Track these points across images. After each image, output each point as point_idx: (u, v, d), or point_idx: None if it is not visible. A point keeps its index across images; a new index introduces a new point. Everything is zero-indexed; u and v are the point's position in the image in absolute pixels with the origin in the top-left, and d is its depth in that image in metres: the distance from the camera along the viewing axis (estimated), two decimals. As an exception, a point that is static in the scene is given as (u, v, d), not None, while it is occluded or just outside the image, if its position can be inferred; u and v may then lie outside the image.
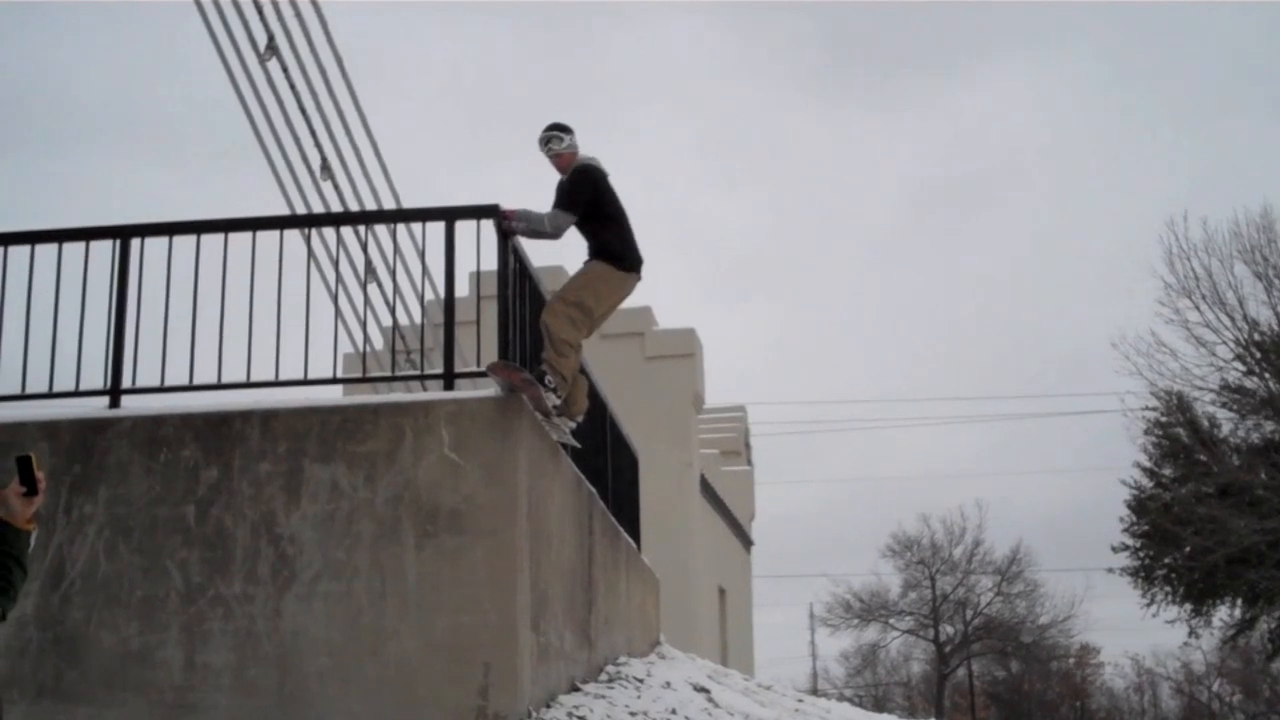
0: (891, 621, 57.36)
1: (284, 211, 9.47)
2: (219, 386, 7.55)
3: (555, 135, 8.16)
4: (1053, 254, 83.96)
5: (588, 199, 8.06)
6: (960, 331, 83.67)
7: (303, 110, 9.59)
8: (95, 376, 7.75)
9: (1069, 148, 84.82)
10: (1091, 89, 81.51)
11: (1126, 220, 78.08)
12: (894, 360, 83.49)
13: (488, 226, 7.72)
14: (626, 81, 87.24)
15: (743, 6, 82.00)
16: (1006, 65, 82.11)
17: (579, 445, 8.83)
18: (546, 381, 7.77)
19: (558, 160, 8.18)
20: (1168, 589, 35.27)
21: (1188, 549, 32.95)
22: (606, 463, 10.63)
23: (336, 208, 9.67)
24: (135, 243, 7.83)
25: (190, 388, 7.60)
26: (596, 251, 8.19)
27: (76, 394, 7.75)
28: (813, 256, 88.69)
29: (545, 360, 7.85)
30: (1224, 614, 35.68)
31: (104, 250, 7.84)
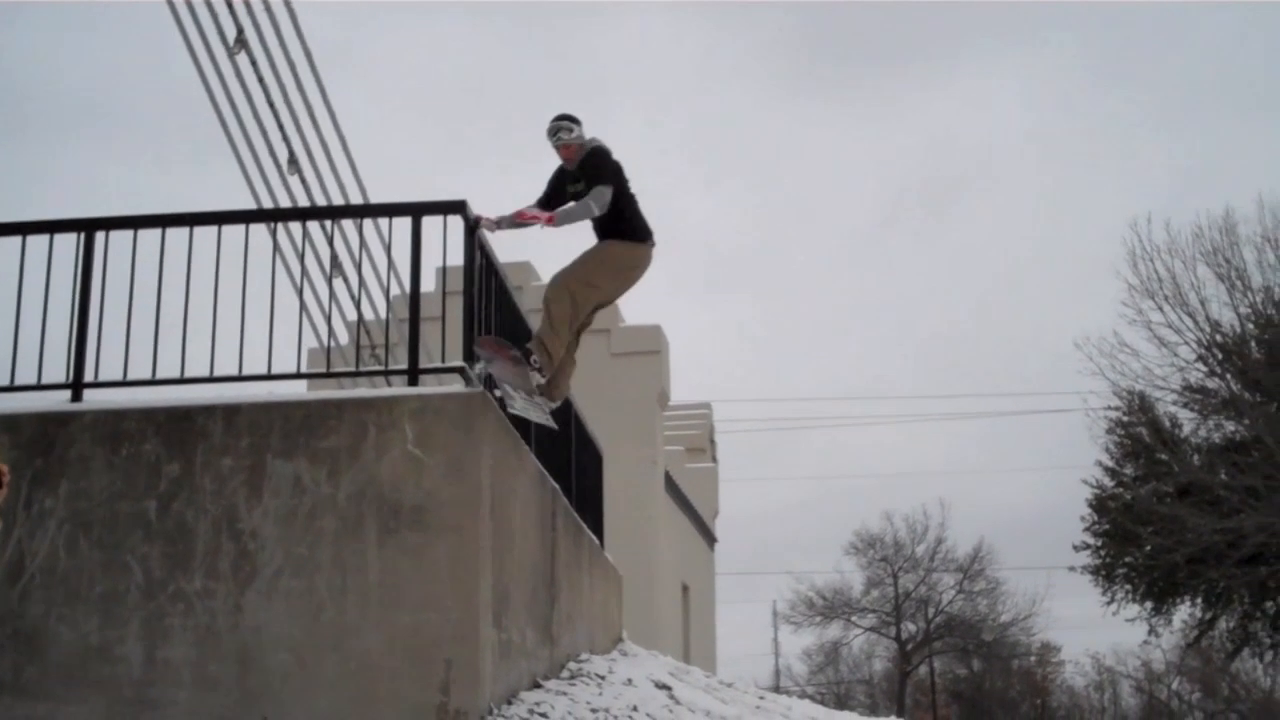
0: (854, 619, 57.59)
1: (250, 205, 9.44)
2: (182, 381, 7.52)
3: (565, 125, 8.19)
4: (1024, 254, 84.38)
5: (615, 171, 8.20)
6: (929, 331, 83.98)
7: (271, 105, 9.56)
8: (57, 370, 7.72)
9: (1044, 148, 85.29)
10: (1070, 88, 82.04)
11: (1098, 221, 78.60)
12: (863, 359, 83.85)
13: (455, 222, 7.72)
14: (605, 80, 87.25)
15: (723, 5, 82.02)
16: (984, 65, 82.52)
17: (556, 427, 8.87)
18: (532, 361, 7.91)
19: (566, 150, 8.21)
20: (1128, 587, 35.50)
21: (1148, 548, 33.20)
22: (571, 459, 10.65)
23: (303, 202, 9.63)
24: (100, 236, 7.80)
25: (153, 382, 7.58)
26: (612, 231, 8.28)
27: (38, 388, 7.72)
28: (787, 255, 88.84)
29: (536, 337, 8.00)
30: (1184, 613, 35.95)
31: (68, 243, 7.81)
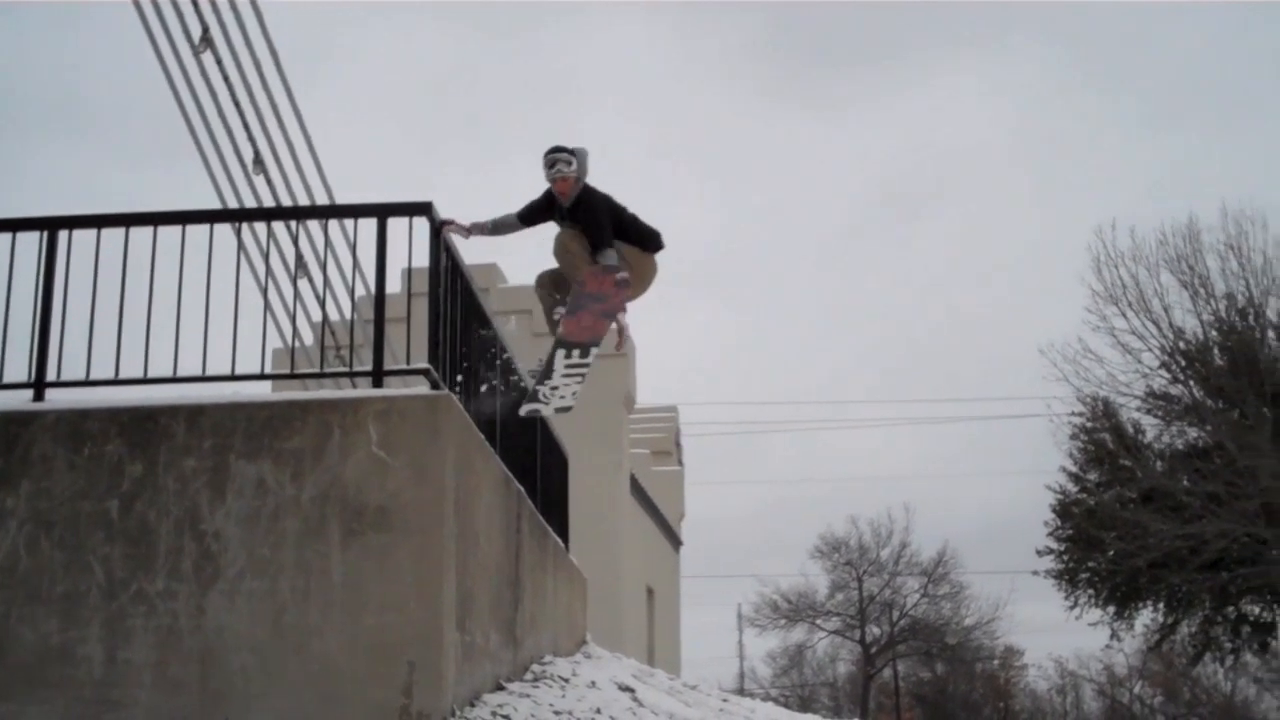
0: (818, 622, 57.73)
1: (215, 205, 9.42)
2: (145, 381, 7.48)
3: (564, 158, 8.24)
4: (992, 260, 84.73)
5: (608, 209, 8.38)
6: (896, 335, 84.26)
7: (236, 104, 9.54)
8: (20, 369, 7.68)
9: (1015, 154, 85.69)
10: (1040, 93, 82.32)
11: (1067, 227, 79.07)
12: (831, 363, 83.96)
13: (420, 224, 7.72)
14: (579, 83, 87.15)
15: (696, 7, 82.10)
16: (956, 68, 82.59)
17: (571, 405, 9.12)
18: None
19: (563, 184, 8.25)
20: (1091, 592, 35.72)
21: (1111, 553, 33.40)
22: (536, 462, 10.65)
23: (269, 203, 9.62)
24: (63, 235, 7.76)
25: (116, 382, 7.53)
26: (640, 241, 8.56)
27: (0, 387, 7.67)
28: (757, 258, 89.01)
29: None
30: (1146, 617, 36.19)
31: (31, 242, 7.77)
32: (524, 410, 9.20)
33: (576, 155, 8.29)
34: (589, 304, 8.36)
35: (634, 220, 8.58)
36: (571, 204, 8.30)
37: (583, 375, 8.93)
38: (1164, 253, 31.25)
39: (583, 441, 14.73)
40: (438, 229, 7.83)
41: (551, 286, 8.71)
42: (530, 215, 8.54)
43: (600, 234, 8.27)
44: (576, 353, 8.72)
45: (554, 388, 8.91)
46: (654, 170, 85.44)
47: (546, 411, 9.30)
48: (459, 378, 8.07)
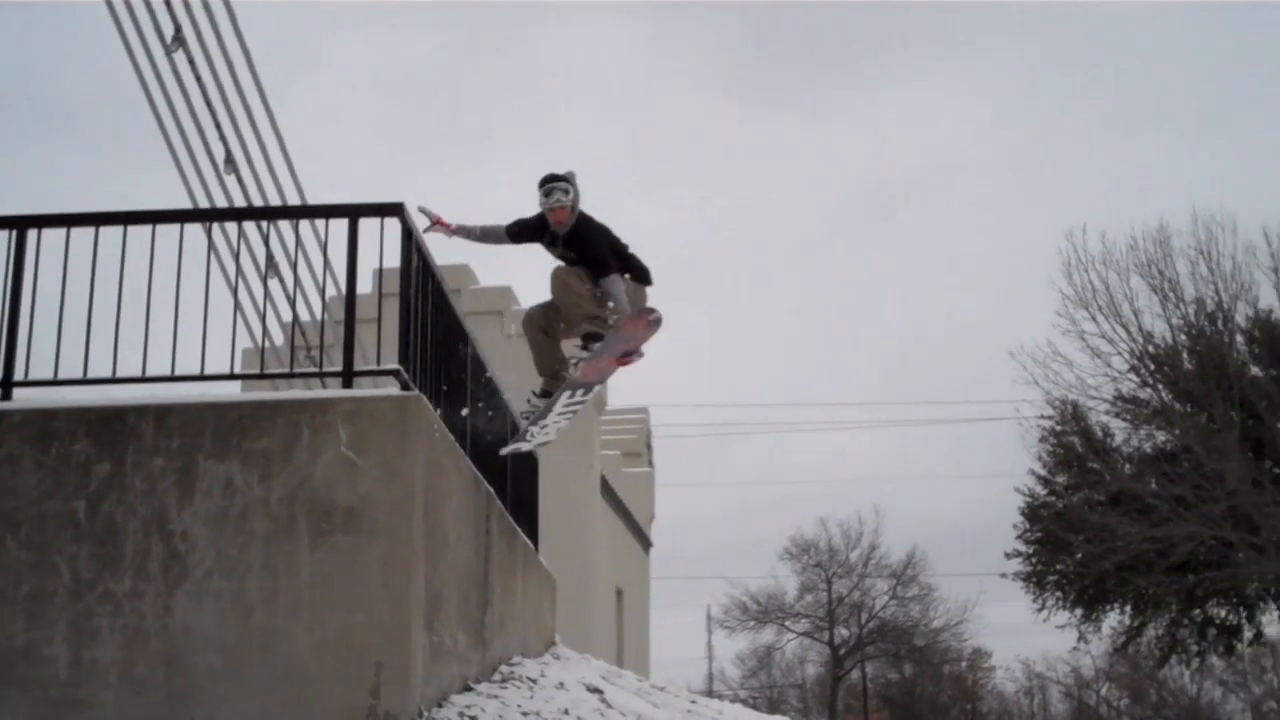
0: (787, 624, 57.86)
1: (186, 205, 9.39)
2: (113, 381, 7.46)
3: (561, 187, 8.32)
4: (963, 263, 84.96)
5: (605, 236, 8.50)
6: (868, 338, 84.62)
7: (208, 104, 9.52)
8: (-13, 368, 7.63)
9: (988, 157, 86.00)
10: (1016, 97, 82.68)
11: (1038, 231, 79.30)
12: (802, 366, 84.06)
13: (391, 224, 7.71)
14: (554, 84, 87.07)
15: (671, 8, 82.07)
16: (929, 71, 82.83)
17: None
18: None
19: (560, 212, 8.30)
20: (1059, 594, 35.86)
21: (1079, 556, 33.54)
22: (506, 463, 10.65)
23: (240, 203, 9.59)
24: (32, 234, 7.73)
25: (84, 381, 7.49)
26: (633, 274, 8.66)
27: (-33, 386, 7.63)
28: (732, 260, 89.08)
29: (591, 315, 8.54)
30: (1113, 620, 36.35)
31: (-1, 241, 7.74)
32: (506, 450, 9.34)
33: (572, 182, 8.33)
34: (619, 346, 8.43)
35: (628, 252, 8.67)
36: (568, 232, 8.35)
37: (576, 412, 9.03)
38: (1134, 257, 31.42)
39: (556, 443, 14.72)
40: (426, 215, 7.91)
41: (544, 323, 8.74)
42: (520, 234, 8.62)
43: (603, 263, 8.34)
44: (580, 391, 8.80)
45: (544, 427, 9.02)
46: (629, 170, 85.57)
47: (527, 447, 9.42)
48: (443, 388, 8.10)
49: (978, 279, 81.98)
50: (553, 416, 9.01)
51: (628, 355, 8.57)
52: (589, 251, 8.39)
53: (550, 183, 8.30)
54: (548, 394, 8.94)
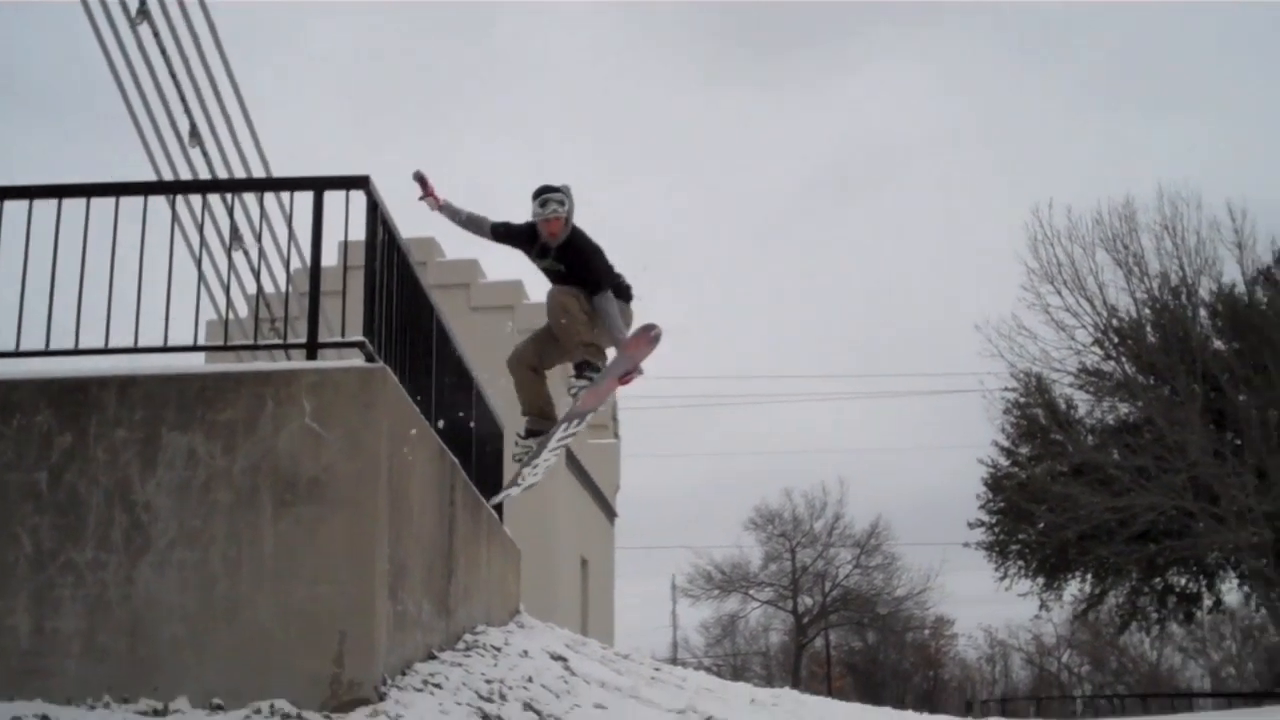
0: (752, 593, 58.18)
1: (150, 177, 9.37)
2: (76, 352, 7.47)
3: (556, 198, 8.31)
4: (931, 239, 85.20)
5: (598, 253, 8.56)
6: (835, 313, 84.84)
7: (173, 77, 9.49)
8: (-51, 340, 7.63)
9: (955, 135, 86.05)
10: (981, 75, 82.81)
11: (1006, 207, 79.62)
12: (769, 340, 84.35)
13: (357, 197, 7.72)
14: (523, 66, 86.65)
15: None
16: (897, 50, 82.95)
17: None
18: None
19: (554, 224, 8.29)
20: (1021, 563, 36.20)
21: (1041, 525, 33.84)
22: (471, 433, 10.69)
23: (204, 175, 9.58)
24: (-7, 205, 7.70)
25: (46, 353, 7.48)
26: (615, 291, 8.65)
27: (-71, 358, 7.63)
28: (700, 237, 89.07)
29: (587, 342, 8.57)
30: (1074, 588, 36.73)
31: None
32: (497, 499, 9.35)
33: (567, 195, 8.33)
34: (622, 367, 8.45)
35: (614, 270, 8.71)
36: (560, 245, 8.36)
37: (568, 446, 9.06)
38: (1100, 232, 31.63)
39: (519, 414, 14.76)
40: (420, 180, 7.99)
41: (535, 360, 8.77)
42: (506, 237, 8.62)
43: (598, 280, 8.36)
44: (576, 422, 8.83)
45: (535, 467, 9.00)
46: (597, 150, 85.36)
47: (519, 492, 9.42)
48: (408, 360, 8.12)
49: (945, 254, 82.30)
50: (546, 454, 8.97)
51: (628, 374, 8.58)
52: (583, 267, 8.38)
53: (546, 194, 8.28)
54: (534, 433, 8.91)
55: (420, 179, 8.66)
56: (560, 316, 8.49)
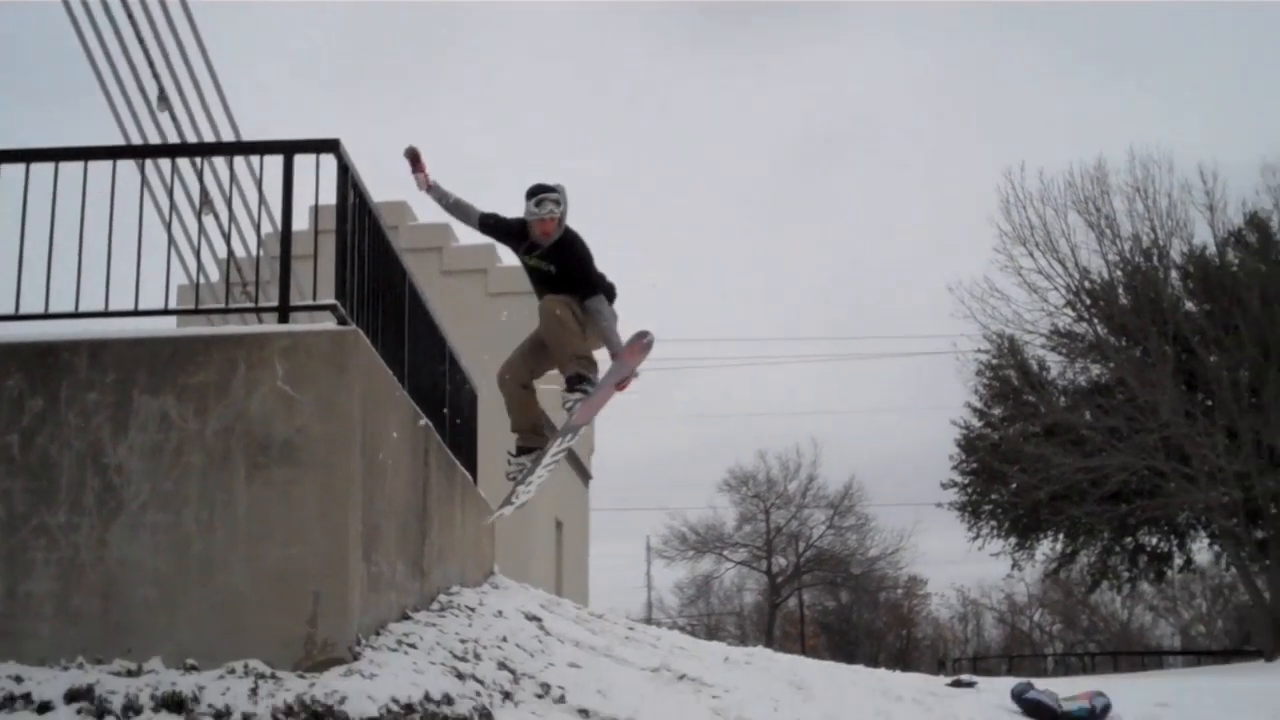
0: (726, 553, 58.45)
1: (119, 141, 9.33)
2: (47, 316, 7.46)
3: (552, 198, 8.22)
4: (906, 202, 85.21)
5: (589, 257, 8.51)
6: (811, 275, 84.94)
7: (140, 41, 9.44)
8: (-82, 306, 7.61)
9: (930, 100, 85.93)
10: (957, 39, 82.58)
11: (979, 171, 79.72)
12: (745, 303, 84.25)
13: (327, 161, 7.72)
14: (490, 32, 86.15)
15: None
16: (871, 15, 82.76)
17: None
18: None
19: (548, 224, 8.23)
20: (993, 523, 36.47)
21: (1014, 486, 34.07)
22: (444, 397, 10.73)
23: (174, 140, 9.54)
24: (-38, 171, 7.68)
25: (16, 317, 7.47)
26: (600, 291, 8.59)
27: (-100, 323, 7.61)
28: (677, 201, 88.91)
29: (581, 355, 8.54)
30: (1046, 548, 37.03)
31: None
32: (489, 520, 9.31)
33: (563, 195, 8.28)
34: (617, 376, 8.43)
35: (599, 271, 8.69)
36: (552, 245, 8.31)
37: (560, 460, 9.03)
38: (1072, 194, 31.70)
39: (493, 378, 14.78)
40: (411, 158, 8.00)
41: (527, 377, 8.73)
42: (494, 229, 8.57)
43: (591, 283, 8.32)
44: (570, 435, 8.82)
45: (529, 484, 8.96)
46: (574, 115, 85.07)
47: (512, 510, 9.40)
48: (380, 323, 8.13)
49: (919, 217, 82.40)
50: (540, 470, 8.94)
51: (624, 381, 8.56)
52: (575, 268, 8.31)
53: (542, 193, 8.21)
54: (526, 450, 8.86)
55: (412, 156, 8.64)
56: (555, 328, 8.42)
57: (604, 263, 8.65)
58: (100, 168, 7.59)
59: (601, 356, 8.76)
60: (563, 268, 8.35)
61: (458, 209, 8.65)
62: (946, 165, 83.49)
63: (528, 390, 8.77)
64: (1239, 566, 31.51)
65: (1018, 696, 12.54)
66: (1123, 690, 14.08)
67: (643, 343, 8.42)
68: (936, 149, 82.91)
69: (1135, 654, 47.26)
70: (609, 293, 8.66)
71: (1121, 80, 79.91)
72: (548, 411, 9.33)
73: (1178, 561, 37.58)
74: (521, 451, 8.87)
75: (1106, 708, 12.41)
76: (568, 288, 8.42)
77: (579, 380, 8.42)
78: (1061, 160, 61.80)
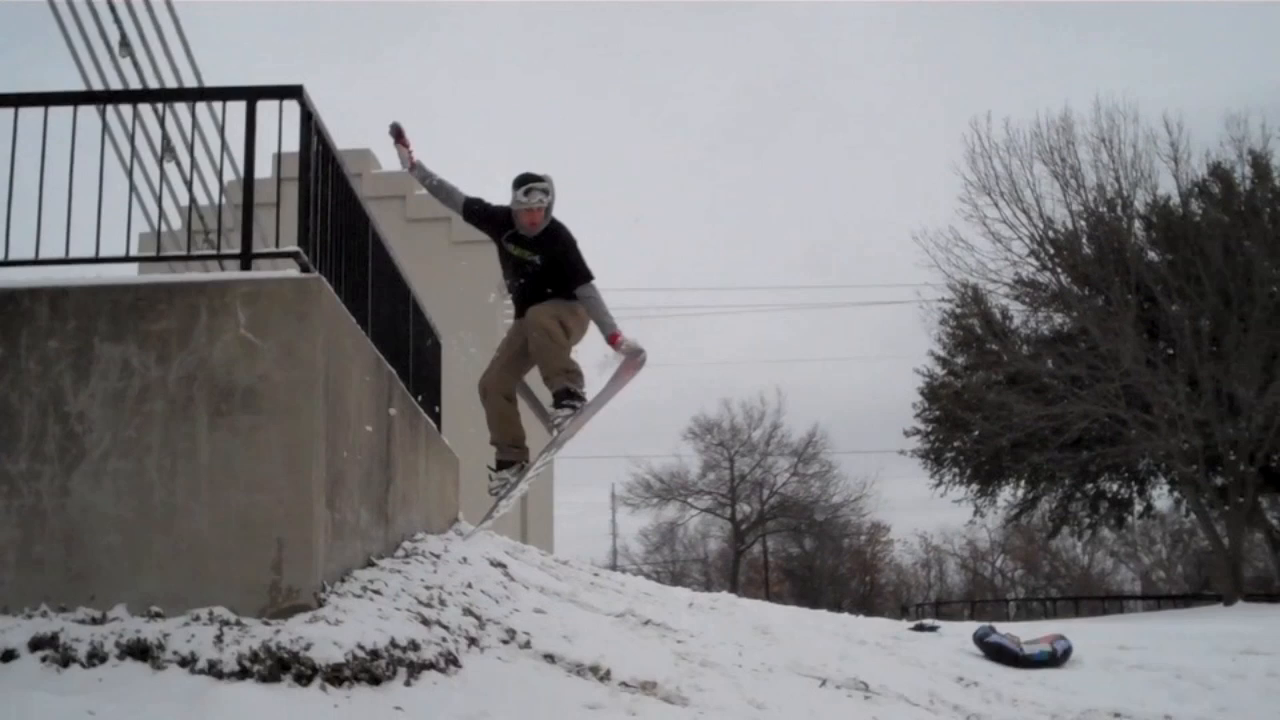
0: (690, 501, 58.75)
1: (79, 87, 9.24)
2: (6, 264, 7.40)
3: (541, 189, 8.05)
4: (870, 151, 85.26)
5: (575, 244, 8.41)
6: (776, 223, 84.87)
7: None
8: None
9: (897, 48, 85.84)
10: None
11: (947, 120, 79.61)
12: (708, 250, 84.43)
13: (291, 108, 7.67)
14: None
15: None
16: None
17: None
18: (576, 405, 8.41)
19: (535, 214, 8.09)
20: (956, 470, 36.86)
21: (976, 433, 34.40)
22: (408, 344, 10.72)
23: (135, 85, 9.45)
24: (-80, 116, 7.60)
25: (-24, 264, 7.45)
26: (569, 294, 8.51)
27: None
28: (640, 149, 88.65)
29: (572, 371, 8.44)
30: (1008, 494, 37.47)
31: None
32: (469, 533, 9.19)
33: (550, 185, 8.14)
34: (611, 394, 8.35)
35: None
36: (539, 235, 8.17)
37: (541, 472, 8.95)
38: (1037, 144, 31.89)
39: (457, 326, 14.81)
40: (396, 134, 7.98)
41: (509, 389, 8.60)
42: (479, 216, 8.43)
43: (584, 272, 8.20)
44: (555, 449, 8.77)
45: (510, 497, 8.84)
46: (531, 65, 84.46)
47: (491, 524, 9.32)
48: (344, 270, 8.09)
49: (884, 167, 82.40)
50: (523, 484, 8.85)
51: (620, 382, 8.46)
52: (565, 257, 8.18)
53: (530, 183, 8.07)
54: (505, 464, 8.69)
55: (396, 132, 8.59)
56: (545, 342, 8.30)
57: (566, 209, 8.62)
58: (61, 114, 7.52)
59: (591, 352, 8.72)
60: (550, 258, 8.21)
61: (441, 190, 8.52)
62: (913, 112, 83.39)
63: (511, 403, 8.64)
64: (1199, 512, 31.90)
65: (980, 640, 12.69)
66: (1084, 633, 14.26)
67: (636, 362, 8.33)
68: (902, 96, 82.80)
69: (1096, 599, 47.81)
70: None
71: (1088, 28, 79.87)
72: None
73: (1138, 508, 38.05)
74: (502, 465, 8.69)
75: (1067, 651, 12.56)
76: (552, 279, 8.29)
77: (567, 395, 8.28)
78: (1026, 107, 61.89)
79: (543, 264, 8.20)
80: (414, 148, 8.56)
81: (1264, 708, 10.52)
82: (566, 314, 8.44)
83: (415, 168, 8.50)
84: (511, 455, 8.53)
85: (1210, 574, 44.85)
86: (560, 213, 8.46)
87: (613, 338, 8.27)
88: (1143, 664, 12.75)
